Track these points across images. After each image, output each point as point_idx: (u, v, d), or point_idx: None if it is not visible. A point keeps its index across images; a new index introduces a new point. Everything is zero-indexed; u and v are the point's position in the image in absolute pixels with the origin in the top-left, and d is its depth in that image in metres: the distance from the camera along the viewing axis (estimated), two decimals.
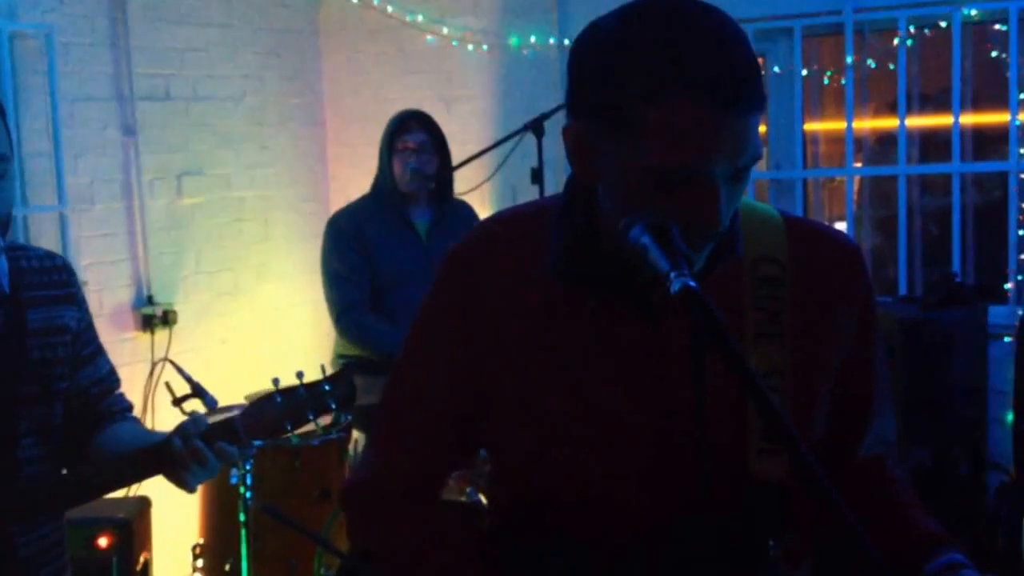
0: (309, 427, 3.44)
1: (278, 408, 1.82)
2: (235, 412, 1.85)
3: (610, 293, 1.30)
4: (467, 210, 3.88)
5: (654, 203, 1.19)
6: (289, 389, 1.84)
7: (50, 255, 1.96)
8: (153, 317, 4.14)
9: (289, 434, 1.85)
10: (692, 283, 1.07)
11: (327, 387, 1.84)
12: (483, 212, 3.97)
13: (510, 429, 1.35)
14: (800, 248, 1.34)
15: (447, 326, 1.37)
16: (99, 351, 2.00)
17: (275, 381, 1.87)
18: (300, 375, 1.87)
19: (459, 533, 1.42)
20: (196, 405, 3.03)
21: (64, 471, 1.92)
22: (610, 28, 1.21)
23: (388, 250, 3.66)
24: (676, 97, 1.14)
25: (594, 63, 1.21)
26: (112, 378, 2.02)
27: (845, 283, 1.37)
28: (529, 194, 3.69)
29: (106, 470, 1.85)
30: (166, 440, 1.79)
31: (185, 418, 1.85)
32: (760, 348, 1.29)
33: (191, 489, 1.82)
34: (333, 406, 1.85)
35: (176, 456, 1.76)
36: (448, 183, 3.77)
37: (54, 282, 1.91)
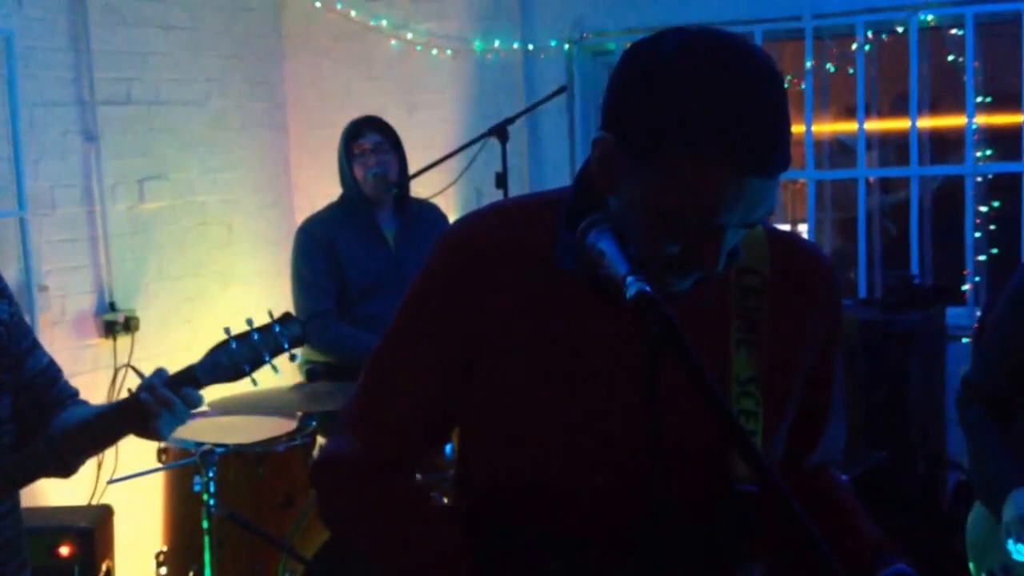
0: (273, 432, 3.43)
1: (234, 353, 1.91)
2: (193, 363, 1.94)
3: (602, 288, 1.29)
4: (435, 212, 3.87)
5: (658, 237, 1.21)
6: (243, 334, 1.92)
7: None
8: (115, 323, 4.10)
9: (249, 376, 1.94)
10: (647, 288, 1.09)
11: (277, 328, 1.93)
12: (449, 216, 3.98)
13: (495, 414, 1.36)
14: (780, 260, 1.38)
15: (439, 306, 1.37)
16: (35, 343, 2.03)
17: (227, 330, 1.94)
18: (250, 321, 1.95)
19: (435, 510, 1.45)
20: None
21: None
22: (665, 59, 1.19)
23: (358, 262, 3.64)
24: (713, 157, 1.15)
25: (642, 90, 1.20)
26: (54, 368, 2.04)
27: (820, 296, 1.41)
28: (494, 198, 3.70)
29: (75, 435, 1.90)
30: (133, 396, 1.88)
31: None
32: (740, 353, 1.33)
33: (164, 436, 1.91)
34: (286, 345, 1.94)
35: (146, 407, 1.85)
36: (406, 186, 3.76)
37: None
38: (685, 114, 1.15)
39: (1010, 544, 2.39)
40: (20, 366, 1.94)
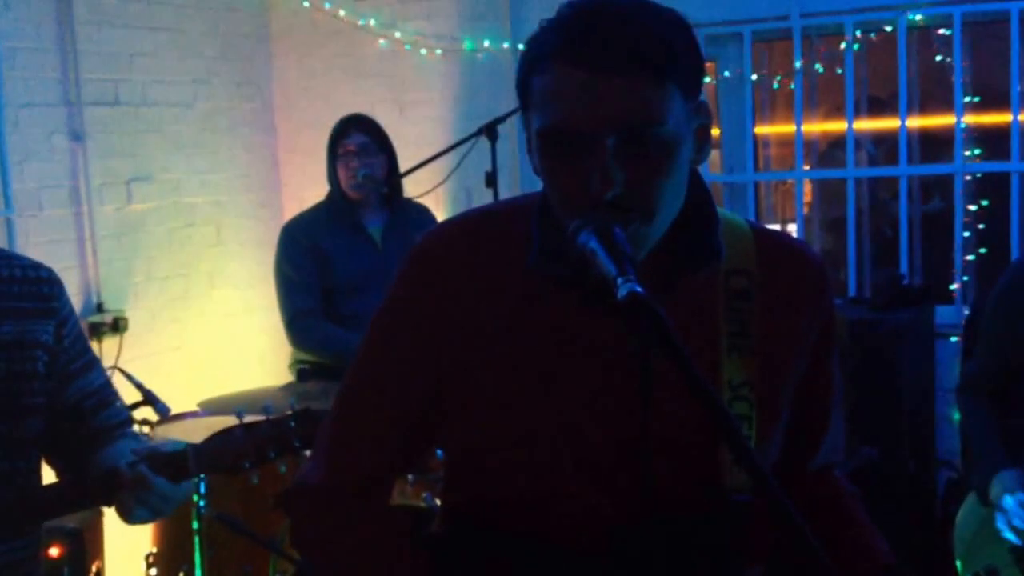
0: None
1: (239, 443, 1.76)
2: (188, 445, 1.77)
3: (583, 291, 1.28)
4: (423, 213, 3.86)
5: (556, 177, 1.24)
6: (252, 424, 1.77)
7: (35, 266, 1.87)
8: (103, 324, 4.08)
9: (248, 471, 1.78)
10: (639, 289, 1.07)
11: (292, 423, 1.78)
12: (438, 216, 3.97)
13: (474, 426, 1.34)
14: (768, 260, 1.37)
15: (408, 324, 1.35)
16: (90, 365, 1.93)
17: (239, 414, 1.79)
18: (268, 409, 1.81)
19: (405, 538, 1.41)
20: (148, 413, 3.00)
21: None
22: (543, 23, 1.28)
23: (343, 259, 3.63)
24: (553, 61, 1.21)
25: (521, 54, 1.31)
26: (107, 391, 1.95)
27: (809, 296, 1.39)
28: (484, 198, 3.69)
29: (61, 493, 1.81)
30: (113, 466, 1.75)
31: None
32: (731, 357, 1.31)
33: (130, 519, 1.76)
34: (298, 444, 1.78)
35: (120, 481, 1.72)
36: (396, 185, 3.75)
37: (33, 294, 1.84)
38: (536, 42, 1.25)
39: (998, 521, 2.44)
40: (62, 389, 1.85)
